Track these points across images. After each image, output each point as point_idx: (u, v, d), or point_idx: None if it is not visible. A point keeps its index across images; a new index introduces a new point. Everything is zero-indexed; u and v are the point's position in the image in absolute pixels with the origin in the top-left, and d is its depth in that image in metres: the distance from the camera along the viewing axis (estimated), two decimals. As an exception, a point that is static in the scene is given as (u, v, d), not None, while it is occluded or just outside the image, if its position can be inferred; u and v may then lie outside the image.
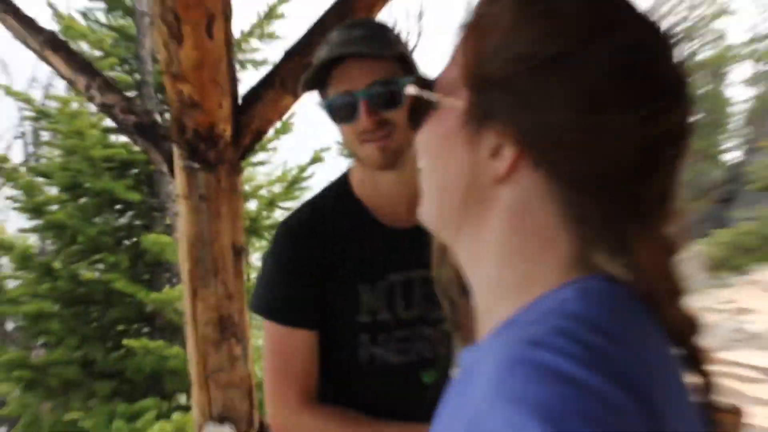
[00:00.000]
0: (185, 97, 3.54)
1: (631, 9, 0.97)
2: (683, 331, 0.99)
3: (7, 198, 10.13)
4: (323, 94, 2.20)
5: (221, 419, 3.88)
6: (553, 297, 0.93)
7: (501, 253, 0.99)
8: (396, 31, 2.22)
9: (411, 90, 1.07)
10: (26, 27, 4.49)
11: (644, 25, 0.96)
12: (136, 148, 9.29)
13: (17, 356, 8.87)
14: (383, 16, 3.61)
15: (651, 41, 0.95)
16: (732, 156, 29.20)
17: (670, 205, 0.96)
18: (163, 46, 3.44)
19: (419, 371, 2.30)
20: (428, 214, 1.10)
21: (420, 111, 1.07)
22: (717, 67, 28.96)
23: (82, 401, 8.62)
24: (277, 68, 3.80)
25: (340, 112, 2.14)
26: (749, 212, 21.79)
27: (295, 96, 3.91)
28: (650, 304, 0.96)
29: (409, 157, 2.16)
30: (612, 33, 0.93)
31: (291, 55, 3.78)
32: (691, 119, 0.96)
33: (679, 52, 0.96)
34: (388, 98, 2.10)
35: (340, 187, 2.35)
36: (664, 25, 0.97)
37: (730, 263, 18.76)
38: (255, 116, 3.82)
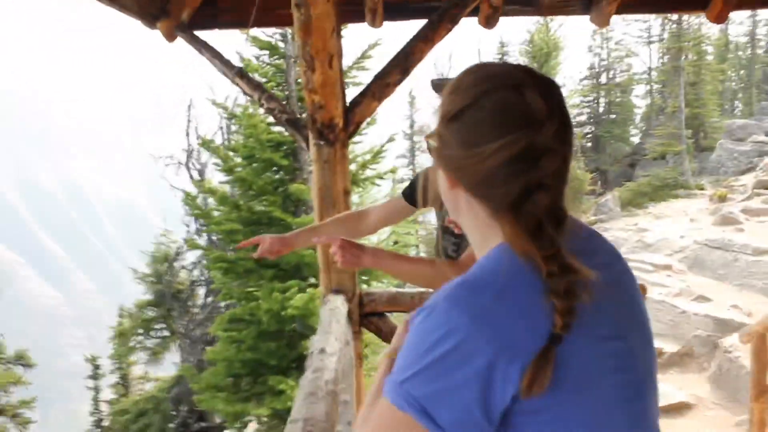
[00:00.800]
0: (316, 102, 3.64)
1: (509, 71, 0.96)
2: (557, 275, 0.89)
3: (213, 164, 10.39)
4: None
5: (336, 291, 3.98)
6: (490, 253, 0.97)
7: (473, 229, 1.05)
8: None
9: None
10: (225, 65, 4.58)
11: (516, 80, 0.94)
12: (286, 134, 9.40)
13: (220, 254, 9.09)
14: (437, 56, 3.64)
15: (515, 96, 0.93)
16: (635, 139, 29.49)
17: (541, 195, 0.92)
18: (303, 73, 3.54)
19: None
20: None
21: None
22: (627, 87, 29.26)
23: (255, 280, 8.79)
24: (369, 86, 3.85)
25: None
26: (645, 172, 21.86)
27: (380, 103, 3.99)
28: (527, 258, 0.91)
29: None
30: (491, 93, 0.94)
31: (377, 78, 3.85)
32: (557, 134, 0.93)
33: (548, 92, 0.94)
34: None
35: None
36: (538, 76, 0.96)
37: (634, 202, 18.72)
38: (356, 114, 3.88)
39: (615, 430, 0.92)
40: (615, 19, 4.83)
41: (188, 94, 18.39)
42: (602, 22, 4.74)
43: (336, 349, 2.92)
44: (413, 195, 2.55)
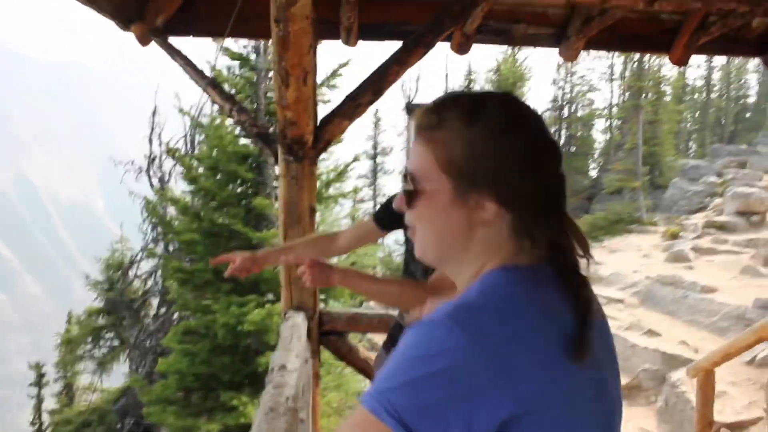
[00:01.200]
0: (288, 118, 3.65)
1: (528, 111, 1.03)
2: (581, 287, 0.98)
3: (179, 172, 10.26)
4: None
5: (297, 308, 3.96)
6: (483, 278, 0.99)
7: (470, 263, 1.03)
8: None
9: (406, 186, 1.05)
10: (197, 74, 4.56)
11: (535, 118, 1.03)
12: (252, 147, 9.36)
13: (177, 264, 8.95)
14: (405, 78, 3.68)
15: (540, 133, 1.03)
16: (593, 172, 30.10)
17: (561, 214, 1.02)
18: (277, 88, 3.54)
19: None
20: (429, 257, 1.07)
21: (411, 195, 1.03)
22: (588, 121, 30.01)
23: (212, 293, 8.67)
24: (341, 105, 3.87)
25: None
26: (602, 206, 22.33)
27: (351, 122, 4.02)
28: (558, 274, 0.98)
29: None
30: (519, 130, 1.00)
31: (349, 98, 3.87)
32: (562, 165, 1.05)
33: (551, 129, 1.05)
34: None
35: None
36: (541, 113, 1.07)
37: (590, 235, 19.07)
38: (327, 132, 3.90)
39: None
40: (581, 54, 4.97)
41: (154, 99, 18.16)
42: (571, 56, 4.87)
43: (296, 365, 2.91)
44: (385, 218, 2.58)
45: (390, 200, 2.58)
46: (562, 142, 29.38)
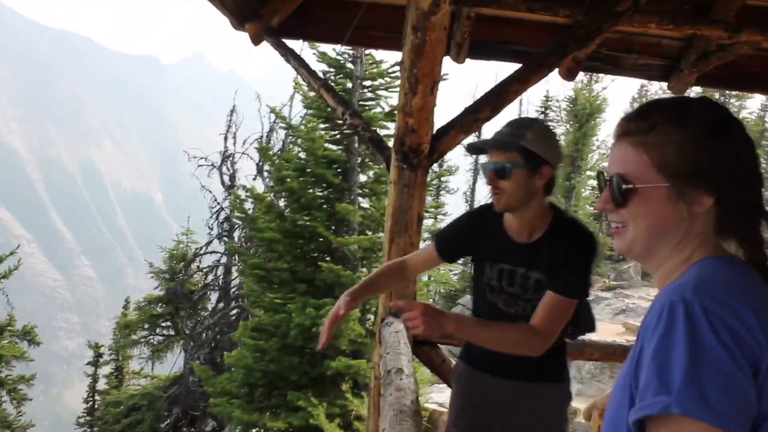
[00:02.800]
0: (409, 125, 3.70)
1: (731, 115, 1.12)
2: None
3: (265, 171, 10.45)
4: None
5: (395, 315, 3.97)
6: (696, 265, 1.06)
7: (677, 253, 1.11)
8: (530, 129, 2.19)
9: (622, 185, 1.12)
10: (311, 75, 4.67)
11: (738, 122, 1.11)
12: (340, 153, 9.48)
13: (257, 261, 9.10)
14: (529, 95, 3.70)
15: (746, 134, 1.11)
16: None
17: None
18: (403, 95, 3.60)
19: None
20: (635, 251, 1.15)
21: (625, 195, 1.11)
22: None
23: (286, 293, 8.77)
24: (458, 118, 3.91)
25: (482, 173, 2.29)
26: None
27: (466, 135, 4.05)
28: (759, 268, 1.06)
29: (521, 209, 2.23)
30: (729, 131, 1.09)
31: (467, 111, 3.90)
32: None
33: None
34: (499, 174, 2.17)
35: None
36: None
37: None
38: (442, 143, 3.92)
39: None
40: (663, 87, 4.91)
41: (232, 99, 18.58)
42: (680, 89, 4.81)
43: (411, 370, 2.92)
44: (450, 248, 2.52)
45: (457, 225, 2.54)
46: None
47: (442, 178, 27.04)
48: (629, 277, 17.87)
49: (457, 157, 28.43)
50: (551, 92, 27.44)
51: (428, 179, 4.06)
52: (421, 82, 3.62)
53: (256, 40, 5.18)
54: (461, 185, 28.28)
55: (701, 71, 4.69)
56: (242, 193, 10.71)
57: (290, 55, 4.92)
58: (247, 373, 8.24)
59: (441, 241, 2.52)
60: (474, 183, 27.92)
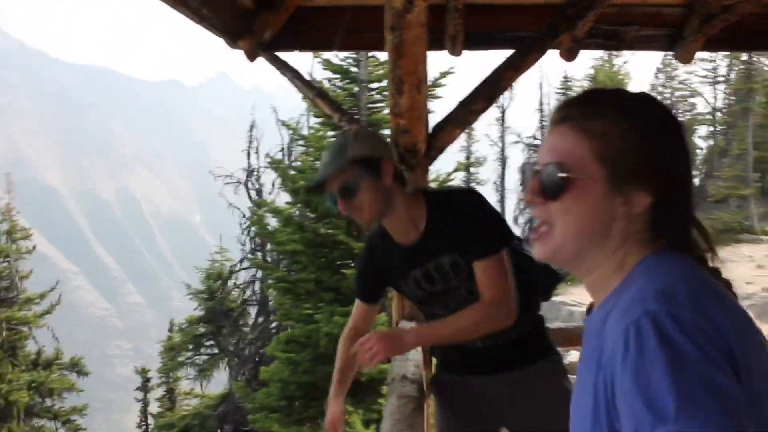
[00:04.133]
0: (401, 126, 3.63)
1: (674, 114, 1.06)
2: (716, 272, 1.02)
3: (278, 184, 10.49)
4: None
5: (409, 318, 3.92)
6: (641, 267, 0.98)
7: (611, 256, 1.00)
8: (348, 141, 2.07)
9: (558, 174, 1.00)
10: (306, 86, 4.64)
11: (680, 122, 1.05)
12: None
13: (282, 274, 9.15)
14: (523, 82, 3.61)
15: (687, 135, 1.07)
16: (696, 180, 28.89)
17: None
18: (391, 96, 3.54)
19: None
20: (563, 255, 1.03)
21: (559, 187, 0.99)
22: (689, 127, 28.66)
23: (314, 303, 8.77)
24: (453, 112, 3.82)
25: (331, 206, 2.13)
26: (707, 215, 21.18)
27: (463, 130, 3.97)
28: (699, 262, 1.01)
29: (389, 213, 2.10)
30: (675, 130, 1.03)
31: (461, 105, 3.81)
32: None
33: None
34: (346, 194, 2.03)
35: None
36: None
37: (695, 246, 18.13)
38: (439, 140, 3.84)
39: None
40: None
41: (252, 114, 18.75)
42: (687, 58, 4.64)
43: (417, 376, 2.87)
44: (366, 290, 2.42)
45: (360, 272, 2.44)
46: (662, 149, 28.36)
47: (471, 170, 26.90)
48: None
49: (484, 148, 28.17)
50: (570, 72, 27.09)
51: (430, 175, 4.00)
52: (406, 82, 3.56)
53: (251, 56, 5.17)
54: (491, 175, 28.03)
55: (707, 36, 4.53)
56: (260, 209, 10.77)
57: (284, 68, 4.90)
58: (283, 387, 8.27)
59: (359, 291, 2.44)
60: (503, 172, 27.65)
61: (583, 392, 0.94)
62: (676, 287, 0.89)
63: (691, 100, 29.33)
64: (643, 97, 1.05)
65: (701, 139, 30.51)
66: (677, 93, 28.88)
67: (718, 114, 29.14)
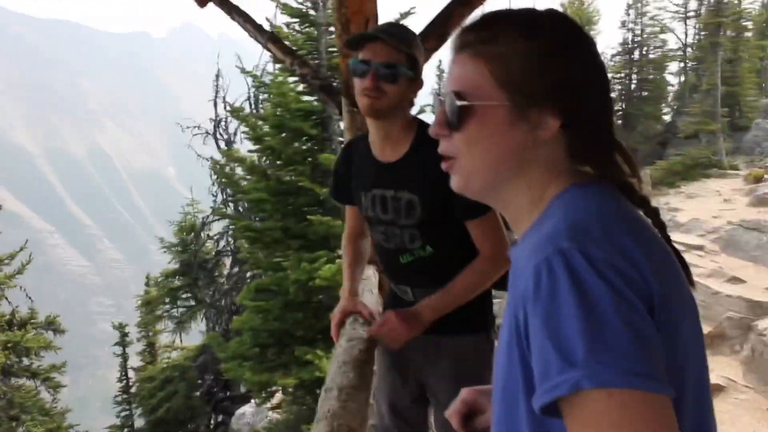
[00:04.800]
0: (349, 67, 3.57)
1: (583, 31, 1.00)
2: (644, 201, 0.99)
3: (242, 132, 10.33)
4: (354, 54, 2.04)
5: (369, 262, 3.91)
6: (560, 199, 0.94)
7: (527, 187, 0.97)
8: (414, 37, 2.02)
9: (457, 102, 0.96)
10: (258, 30, 4.53)
11: (590, 39, 1.00)
12: (316, 103, 9.33)
13: (247, 224, 9.10)
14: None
15: (597, 53, 0.99)
16: (667, 117, 28.78)
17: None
18: (337, 36, 3.47)
19: (398, 255, 2.20)
20: (474, 186, 1.00)
21: (460, 114, 0.96)
22: (660, 63, 28.43)
23: (282, 251, 8.77)
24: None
25: (358, 70, 2.00)
26: (677, 151, 21.34)
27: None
28: (622, 191, 0.97)
29: (389, 119, 2.05)
30: (581, 48, 0.97)
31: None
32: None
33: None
34: (388, 75, 1.96)
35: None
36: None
37: (665, 181, 18.34)
38: (390, 80, 3.77)
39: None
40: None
41: (216, 64, 18.37)
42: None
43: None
44: (338, 191, 2.43)
45: (335, 173, 2.43)
46: (632, 86, 28.22)
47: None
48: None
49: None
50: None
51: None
52: (353, 21, 3.49)
53: (201, 3, 5.04)
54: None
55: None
56: (222, 158, 10.65)
57: (234, 12, 4.78)
58: (254, 335, 8.33)
59: (332, 190, 2.48)
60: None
61: (503, 326, 0.92)
62: (591, 221, 0.85)
63: (662, 36, 29.13)
64: (548, 15, 0.98)
65: (672, 76, 30.51)
66: (648, 29, 28.67)
67: (689, 50, 29.09)
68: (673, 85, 30.54)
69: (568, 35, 0.97)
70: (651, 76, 28.78)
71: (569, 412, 0.75)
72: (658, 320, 0.79)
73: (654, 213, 1.00)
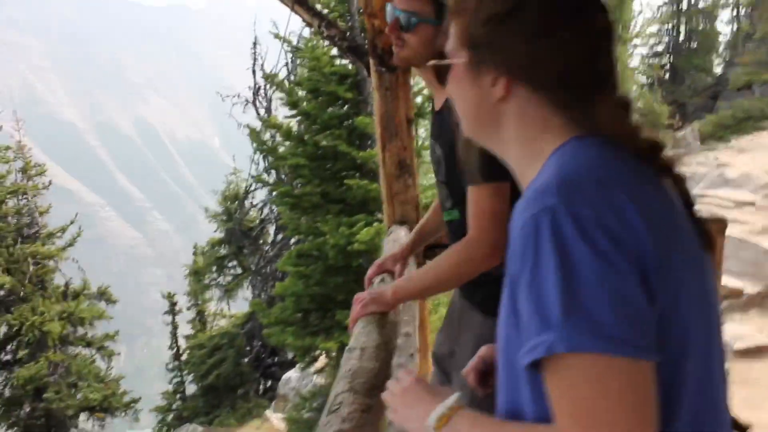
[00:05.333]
0: (376, 27, 3.53)
1: None
2: (653, 151, 0.94)
3: (278, 99, 10.33)
4: None
5: (401, 222, 3.91)
6: (557, 153, 0.92)
7: (518, 141, 0.98)
8: None
9: (433, 61, 1.08)
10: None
11: None
12: (350, 66, 9.25)
13: (286, 189, 9.16)
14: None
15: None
16: (718, 69, 27.71)
17: (614, 77, 0.96)
18: (362, -5, 3.41)
19: (443, 212, 2.07)
20: (466, 130, 1.06)
21: (444, 71, 1.05)
22: (711, 12, 27.25)
23: (322, 216, 8.79)
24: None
25: (388, 17, 1.93)
26: (728, 103, 20.59)
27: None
28: (620, 142, 0.92)
29: (423, 68, 1.93)
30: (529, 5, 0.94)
31: None
32: (609, 20, 0.96)
33: None
34: (403, 23, 1.86)
35: None
36: None
37: (716, 135, 17.72)
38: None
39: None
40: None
41: (253, 31, 18.38)
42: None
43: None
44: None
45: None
46: (681, 38, 27.23)
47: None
48: (687, 143, 17.16)
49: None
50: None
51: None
52: (376, -26, 3.42)
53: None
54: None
55: None
56: (258, 125, 10.68)
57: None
58: (296, 301, 8.43)
59: None
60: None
61: (504, 284, 0.90)
62: (584, 175, 0.83)
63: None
64: None
65: (723, 24, 29.34)
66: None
67: (737, -1, 27.94)
68: (724, 35, 29.41)
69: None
70: (701, 27, 27.77)
71: (546, 375, 0.76)
72: (652, 283, 0.77)
73: (664, 166, 0.95)
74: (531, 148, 0.96)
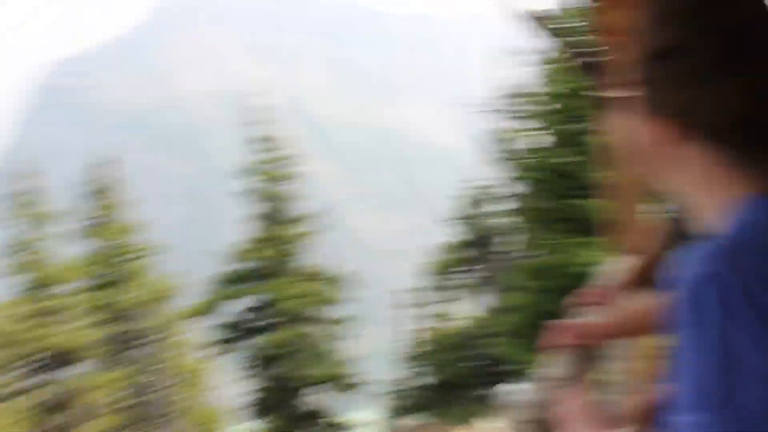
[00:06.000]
0: (613, 44, 3.45)
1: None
2: None
3: (522, 110, 10.08)
4: None
5: (630, 251, 3.73)
6: (733, 209, 0.80)
7: (695, 187, 0.84)
8: None
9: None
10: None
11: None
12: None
13: (526, 202, 9.04)
14: None
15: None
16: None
17: None
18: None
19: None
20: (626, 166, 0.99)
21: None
22: None
23: (559, 233, 8.46)
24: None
25: None
26: None
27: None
28: None
29: None
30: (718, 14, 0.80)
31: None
32: None
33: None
34: None
35: None
36: None
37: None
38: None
39: None
40: None
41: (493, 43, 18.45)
42: None
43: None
44: None
45: None
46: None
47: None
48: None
49: None
50: None
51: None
52: None
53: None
54: None
55: None
56: (503, 137, 10.65)
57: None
58: (525, 314, 8.34)
59: None
60: None
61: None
62: (747, 246, 0.75)
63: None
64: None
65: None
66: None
67: None
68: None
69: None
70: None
71: None
72: None
73: None
74: (710, 199, 0.85)
